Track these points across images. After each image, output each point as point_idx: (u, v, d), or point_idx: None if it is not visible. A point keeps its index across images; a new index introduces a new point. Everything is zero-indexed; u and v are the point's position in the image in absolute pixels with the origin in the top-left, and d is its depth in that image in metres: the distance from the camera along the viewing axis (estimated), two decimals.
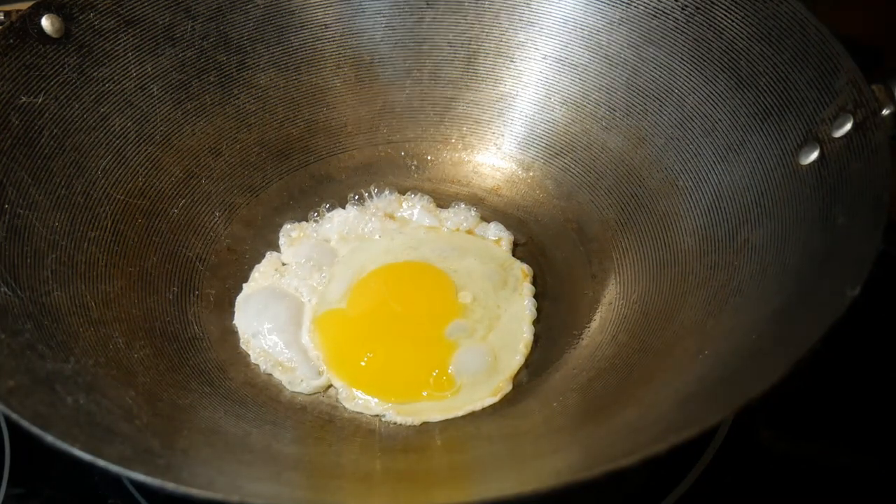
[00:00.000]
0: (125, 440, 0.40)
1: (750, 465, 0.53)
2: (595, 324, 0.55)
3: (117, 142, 0.59)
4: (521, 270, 0.59)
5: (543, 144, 0.65)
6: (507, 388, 0.53)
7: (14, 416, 0.38)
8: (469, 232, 0.63)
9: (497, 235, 0.62)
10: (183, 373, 0.51)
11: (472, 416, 0.51)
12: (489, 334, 0.55)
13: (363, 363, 0.54)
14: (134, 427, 0.42)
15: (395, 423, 0.51)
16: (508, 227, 0.63)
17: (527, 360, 0.55)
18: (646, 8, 0.60)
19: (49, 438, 0.37)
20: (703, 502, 0.51)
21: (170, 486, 0.35)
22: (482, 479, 0.46)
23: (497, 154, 0.67)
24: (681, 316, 0.51)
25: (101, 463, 0.36)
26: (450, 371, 0.53)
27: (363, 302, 0.57)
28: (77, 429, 0.39)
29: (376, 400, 0.52)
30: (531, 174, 0.65)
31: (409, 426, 0.51)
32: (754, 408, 0.35)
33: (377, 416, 0.52)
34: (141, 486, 0.50)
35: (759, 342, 0.42)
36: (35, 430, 0.37)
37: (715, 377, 0.42)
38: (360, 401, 0.53)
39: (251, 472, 0.44)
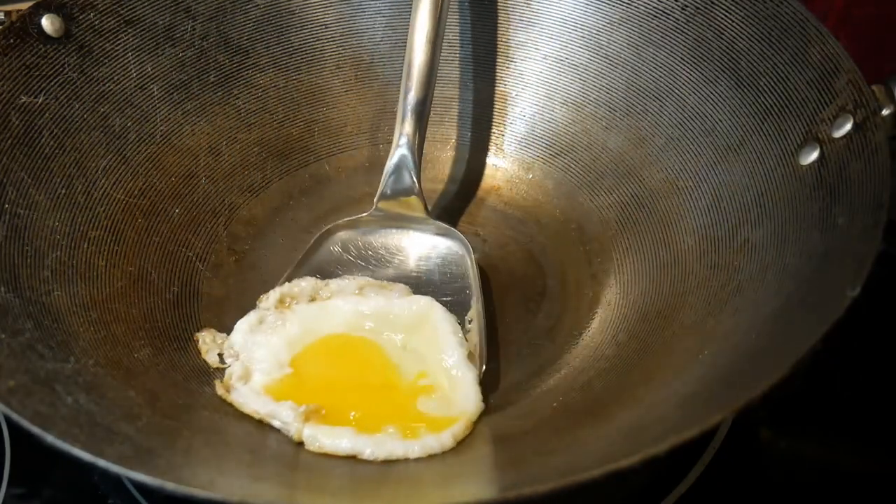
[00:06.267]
0: (125, 440, 0.40)
1: (750, 465, 0.53)
2: (595, 324, 0.55)
3: (117, 142, 0.59)
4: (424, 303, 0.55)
5: (543, 144, 0.65)
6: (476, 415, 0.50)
7: (14, 416, 0.38)
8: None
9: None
10: (183, 373, 0.51)
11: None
12: (434, 376, 0.51)
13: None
14: (134, 427, 0.42)
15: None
16: (508, 227, 0.63)
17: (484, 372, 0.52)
18: (646, 8, 0.60)
19: (49, 438, 0.37)
20: (703, 502, 0.51)
21: (170, 486, 0.35)
22: (482, 479, 0.46)
23: (497, 154, 0.67)
24: (681, 316, 0.51)
25: (102, 463, 0.36)
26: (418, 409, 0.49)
27: (308, 375, 0.52)
28: (77, 429, 0.39)
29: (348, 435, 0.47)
30: (531, 174, 0.65)
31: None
32: (754, 408, 0.35)
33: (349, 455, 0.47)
34: (141, 486, 0.51)
35: (759, 342, 0.42)
36: (35, 430, 0.37)
37: (715, 377, 0.42)
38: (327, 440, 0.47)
39: (251, 472, 0.44)
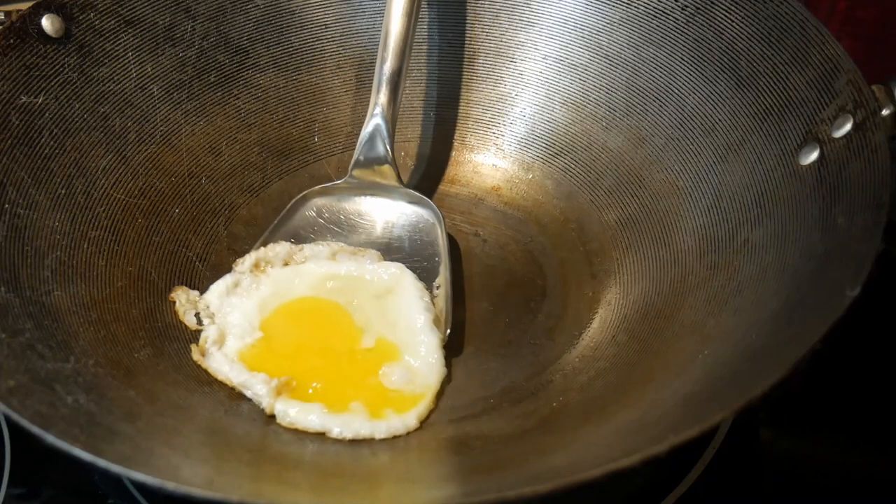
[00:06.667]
0: (125, 440, 0.40)
1: (750, 465, 0.53)
2: (595, 324, 0.55)
3: (117, 142, 0.59)
4: (394, 269, 0.56)
5: (543, 144, 0.65)
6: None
7: (14, 416, 0.38)
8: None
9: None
10: (183, 373, 0.51)
11: (472, 416, 0.51)
12: (399, 341, 0.53)
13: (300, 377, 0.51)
14: (134, 427, 0.42)
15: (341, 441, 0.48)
16: (508, 227, 0.63)
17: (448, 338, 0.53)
18: (646, 8, 0.60)
19: (49, 438, 0.37)
20: (703, 502, 0.51)
21: (170, 485, 0.35)
22: (482, 478, 0.46)
23: (497, 154, 0.67)
24: (681, 316, 0.51)
25: (102, 463, 0.36)
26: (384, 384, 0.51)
27: (278, 340, 0.54)
28: (77, 429, 0.39)
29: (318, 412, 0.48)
30: (531, 174, 0.65)
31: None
32: (754, 408, 0.35)
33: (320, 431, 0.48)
34: (141, 486, 0.50)
35: (759, 342, 0.42)
36: (35, 429, 0.37)
37: (715, 377, 0.42)
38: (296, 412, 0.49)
39: (251, 471, 0.44)
